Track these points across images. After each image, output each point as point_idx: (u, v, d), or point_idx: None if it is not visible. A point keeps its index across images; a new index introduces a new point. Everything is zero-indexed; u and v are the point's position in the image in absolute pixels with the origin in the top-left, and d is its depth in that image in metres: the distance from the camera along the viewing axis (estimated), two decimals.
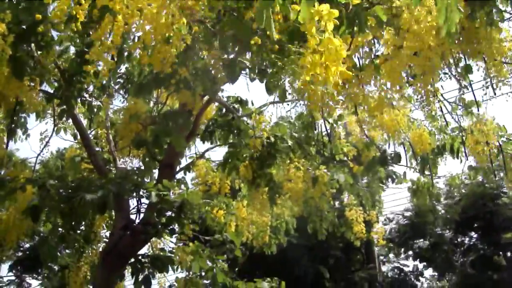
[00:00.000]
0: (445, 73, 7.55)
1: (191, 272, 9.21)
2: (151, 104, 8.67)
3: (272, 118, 9.14)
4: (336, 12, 2.74)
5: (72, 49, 7.23)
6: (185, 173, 9.65)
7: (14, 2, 5.64)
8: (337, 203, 13.67)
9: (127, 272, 9.10)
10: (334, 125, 9.60)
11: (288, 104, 9.55)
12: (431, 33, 4.01)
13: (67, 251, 12.02)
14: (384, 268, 26.43)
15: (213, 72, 5.38)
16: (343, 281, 24.02)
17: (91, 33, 5.04)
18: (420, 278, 27.00)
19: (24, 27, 5.50)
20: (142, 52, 4.13)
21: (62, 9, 3.94)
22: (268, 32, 2.98)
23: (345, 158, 9.06)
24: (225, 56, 5.66)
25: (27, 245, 18.02)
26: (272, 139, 7.94)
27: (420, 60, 4.13)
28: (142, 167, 9.16)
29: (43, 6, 5.32)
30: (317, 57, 2.75)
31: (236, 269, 14.44)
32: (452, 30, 3.33)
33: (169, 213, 7.14)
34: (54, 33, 6.37)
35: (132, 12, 3.78)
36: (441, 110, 8.46)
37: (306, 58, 2.77)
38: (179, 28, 3.91)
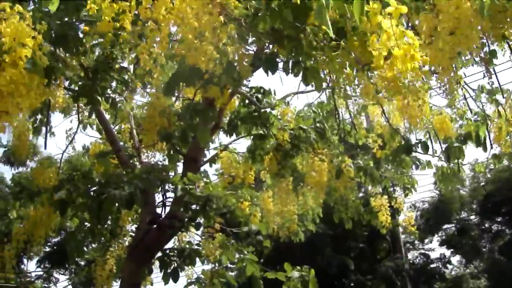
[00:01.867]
0: (468, 60, 7.49)
1: (217, 264, 9.25)
2: (173, 98, 8.68)
3: (295, 108, 9.11)
4: (404, 8, 2.77)
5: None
6: (210, 165, 9.68)
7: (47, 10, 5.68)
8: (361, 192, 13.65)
9: (155, 266, 9.19)
10: (357, 114, 9.58)
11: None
12: (467, 13, 3.93)
13: (93, 245, 12.11)
14: (409, 256, 26.29)
15: (237, 65, 5.39)
16: (368, 271, 23.87)
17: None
18: (448, 265, 26.82)
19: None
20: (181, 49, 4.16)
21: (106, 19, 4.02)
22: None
23: (369, 144, 9.00)
24: (252, 49, 5.69)
25: (54, 240, 18.23)
26: (297, 130, 7.93)
27: (458, 39, 4.03)
28: (166, 161, 9.22)
29: (77, 13, 5.35)
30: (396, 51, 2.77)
31: (261, 260, 14.48)
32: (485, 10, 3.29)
33: (194, 206, 7.18)
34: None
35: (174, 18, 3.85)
36: (464, 97, 8.39)
37: (380, 56, 2.78)
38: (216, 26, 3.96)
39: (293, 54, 5.14)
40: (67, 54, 6.70)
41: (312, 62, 5.25)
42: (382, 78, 3.53)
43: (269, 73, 5.73)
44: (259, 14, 4.84)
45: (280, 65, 5.91)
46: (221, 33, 4.27)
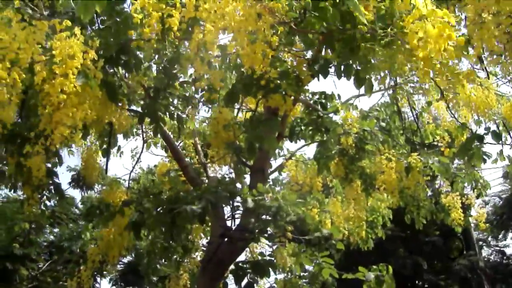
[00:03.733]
0: None
1: (289, 273, 9.20)
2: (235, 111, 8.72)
3: (359, 111, 9.00)
4: None
5: (154, 67, 7.39)
6: (279, 173, 9.67)
7: (101, 27, 5.82)
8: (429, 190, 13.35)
9: (229, 280, 9.21)
10: (422, 112, 9.39)
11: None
12: None
13: (165, 262, 12.26)
14: (484, 253, 25.56)
15: (297, 71, 5.37)
16: (442, 271, 23.34)
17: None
18: None
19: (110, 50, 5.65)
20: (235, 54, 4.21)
21: (151, 24, 4.08)
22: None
23: (436, 143, 8.81)
24: (309, 54, 5.66)
25: (128, 259, 18.61)
26: (361, 133, 7.83)
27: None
28: (233, 174, 9.25)
29: (129, 28, 5.45)
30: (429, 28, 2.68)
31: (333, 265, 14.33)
32: None
33: (264, 217, 7.15)
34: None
35: (219, 18, 3.86)
36: None
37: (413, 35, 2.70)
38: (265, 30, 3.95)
39: (343, 57, 5.09)
40: (127, 75, 6.84)
41: (362, 64, 5.18)
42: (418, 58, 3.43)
43: (322, 77, 5.68)
44: (306, 16, 4.81)
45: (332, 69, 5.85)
46: (271, 35, 4.26)
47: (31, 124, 6.01)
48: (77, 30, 4.80)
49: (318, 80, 5.26)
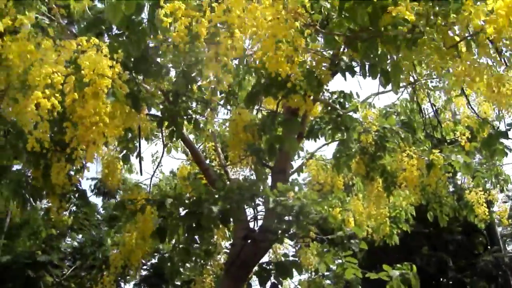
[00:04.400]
0: None
1: (313, 273, 9.17)
2: (254, 112, 8.73)
3: (379, 108, 8.97)
4: None
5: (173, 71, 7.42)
6: (298, 175, 9.65)
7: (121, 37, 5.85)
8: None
9: (253, 281, 9.20)
10: (442, 108, 9.34)
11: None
12: None
13: (188, 266, 12.29)
14: (509, 248, 25.27)
15: (317, 72, 5.37)
16: (466, 267, 23.11)
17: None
18: None
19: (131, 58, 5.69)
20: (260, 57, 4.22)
21: (182, 29, 4.11)
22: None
23: (456, 138, 8.74)
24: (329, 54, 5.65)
25: (150, 263, 18.67)
26: (381, 131, 7.78)
27: None
28: (253, 176, 9.25)
29: (148, 36, 5.48)
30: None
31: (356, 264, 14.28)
32: None
33: (287, 217, 7.14)
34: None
35: (248, 23, 3.89)
36: None
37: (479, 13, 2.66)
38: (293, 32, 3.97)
39: (368, 56, 5.07)
40: (143, 79, 6.86)
41: (393, 63, 5.16)
42: None
43: (347, 77, 5.67)
44: (333, 18, 4.81)
45: (357, 69, 5.84)
46: (298, 39, 4.27)
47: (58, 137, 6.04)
48: (102, 44, 4.81)
49: (345, 79, 5.25)
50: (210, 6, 4.32)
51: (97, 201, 19.46)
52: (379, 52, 4.92)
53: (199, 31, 4.25)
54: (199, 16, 4.43)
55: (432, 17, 4.40)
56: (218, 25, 4.38)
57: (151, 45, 6.09)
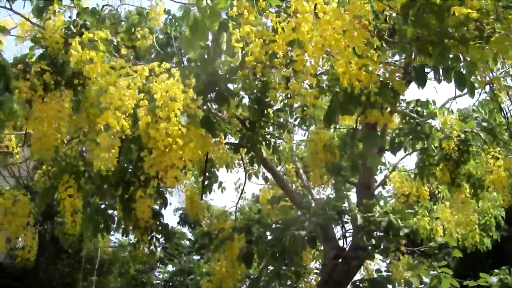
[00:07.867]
0: None
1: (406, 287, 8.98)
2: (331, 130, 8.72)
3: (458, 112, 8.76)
4: None
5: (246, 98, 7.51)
6: (383, 188, 9.55)
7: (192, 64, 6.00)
8: None
9: None
10: None
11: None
12: None
13: None
14: None
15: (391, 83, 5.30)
16: None
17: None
18: None
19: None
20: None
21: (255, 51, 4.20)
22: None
23: None
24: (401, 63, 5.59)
25: None
26: (462, 135, 7.61)
27: None
28: (337, 193, 9.19)
29: (216, 60, 5.60)
30: None
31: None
32: None
33: (375, 233, 7.07)
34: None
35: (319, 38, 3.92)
36: None
37: None
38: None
39: (441, 60, 4.98)
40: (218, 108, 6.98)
41: (468, 65, 5.05)
42: None
43: (422, 85, 5.57)
44: (401, 25, 4.77)
45: (431, 74, 5.73)
46: (370, 50, 4.27)
47: (135, 168, 6.22)
48: (174, 71, 4.96)
49: (419, 88, 5.18)
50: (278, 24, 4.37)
51: (185, 230, 19.88)
52: (451, 55, 4.85)
53: (275, 50, 4.30)
54: (272, 36, 4.48)
55: (501, 11, 4.31)
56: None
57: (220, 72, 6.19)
